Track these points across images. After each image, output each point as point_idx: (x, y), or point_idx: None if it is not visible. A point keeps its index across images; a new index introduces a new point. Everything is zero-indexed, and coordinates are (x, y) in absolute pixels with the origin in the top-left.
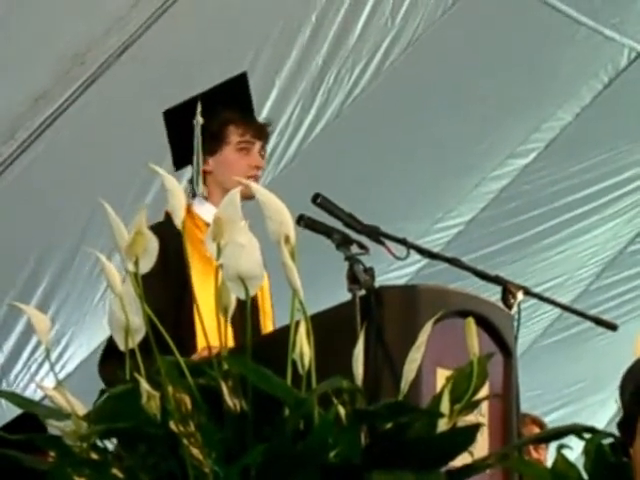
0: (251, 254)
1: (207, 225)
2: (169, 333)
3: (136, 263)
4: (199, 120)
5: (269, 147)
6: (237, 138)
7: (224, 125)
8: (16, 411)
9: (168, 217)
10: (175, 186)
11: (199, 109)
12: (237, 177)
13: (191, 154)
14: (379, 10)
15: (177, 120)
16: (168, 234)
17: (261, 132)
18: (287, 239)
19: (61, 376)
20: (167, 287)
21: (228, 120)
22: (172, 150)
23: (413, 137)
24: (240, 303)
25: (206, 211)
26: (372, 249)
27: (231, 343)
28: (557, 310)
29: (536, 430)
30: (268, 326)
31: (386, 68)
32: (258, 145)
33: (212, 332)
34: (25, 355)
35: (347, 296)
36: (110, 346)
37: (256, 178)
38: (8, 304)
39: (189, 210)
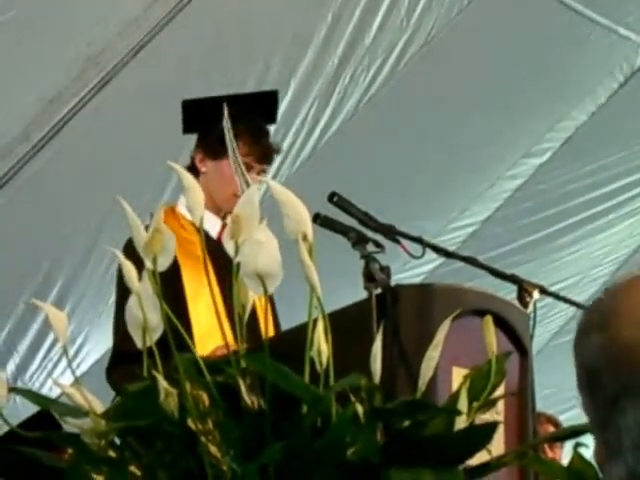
0: (269, 251)
1: (192, 225)
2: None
3: (154, 261)
4: (228, 122)
5: (285, 146)
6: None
7: (233, 138)
8: (30, 409)
9: None
10: (193, 184)
11: (226, 111)
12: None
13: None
14: (395, 10)
15: (198, 112)
16: None
17: (265, 157)
18: (305, 237)
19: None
20: (165, 286)
21: (237, 135)
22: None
23: (428, 136)
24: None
25: None
26: (387, 247)
27: (230, 341)
28: (572, 309)
29: (551, 429)
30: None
31: (402, 67)
32: (258, 168)
33: (209, 329)
34: (41, 355)
35: (352, 295)
36: (117, 352)
37: None
38: (25, 303)
39: (173, 210)
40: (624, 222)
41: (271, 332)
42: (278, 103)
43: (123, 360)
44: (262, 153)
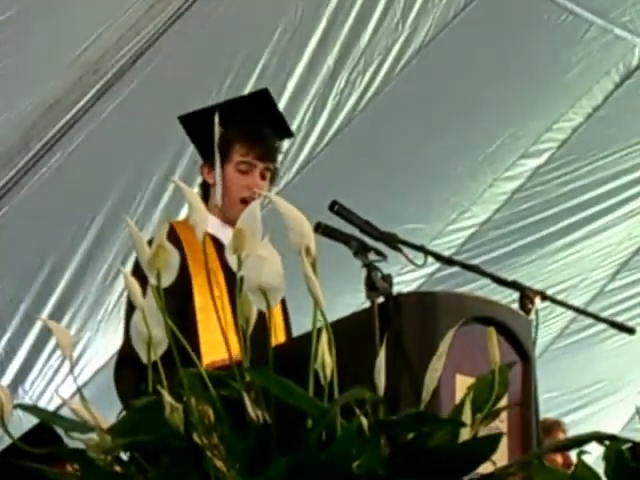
0: (272, 266)
1: (209, 236)
2: (177, 345)
3: (158, 277)
4: (218, 130)
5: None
6: (238, 157)
7: (229, 142)
8: (31, 420)
9: (171, 228)
10: (196, 200)
11: (217, 119)
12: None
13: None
14: (390, 12)
15: (195, 125)
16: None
17: (265, 154)
18: (308, 250)
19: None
20: (172, 298)
21: (233, 138)
22: (197, 148)
23: (425, 139)
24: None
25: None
26: (386, 252)
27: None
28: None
29: (561, 435)
30: (279, 337)
31: (398, 71)
32: (261, 166)
33: (218, 342)
34: (40, 362)
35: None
36: (123, 355)
37: (251, 200)
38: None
39: (189, 220)
40: (623, 223)
41: (279, 339)
42: (273, 99)
43: (127, 364)
44: (261, 151)
